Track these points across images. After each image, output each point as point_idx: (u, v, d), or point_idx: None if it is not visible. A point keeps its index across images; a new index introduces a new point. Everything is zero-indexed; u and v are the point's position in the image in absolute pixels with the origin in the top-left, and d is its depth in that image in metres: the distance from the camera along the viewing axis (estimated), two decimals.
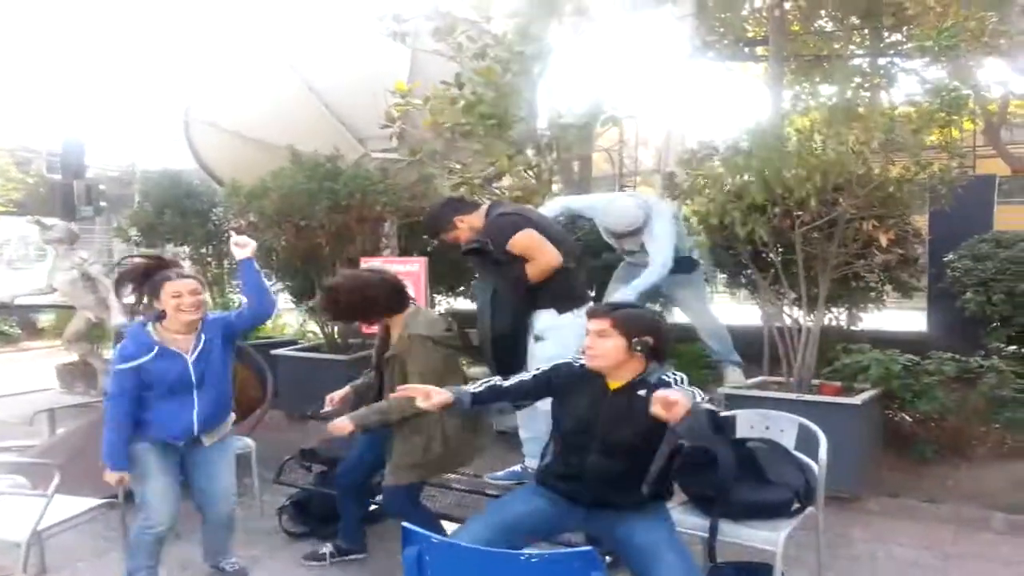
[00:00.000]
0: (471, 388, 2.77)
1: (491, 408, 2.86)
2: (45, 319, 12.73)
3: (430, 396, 2.66)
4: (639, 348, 2.54)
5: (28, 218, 7.65)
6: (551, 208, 4.87)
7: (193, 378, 3.08)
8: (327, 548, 3.64)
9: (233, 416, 3.43)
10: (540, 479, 2.71)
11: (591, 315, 2.67)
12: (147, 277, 3.17)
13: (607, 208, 4.81)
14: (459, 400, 2.69)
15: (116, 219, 9.44)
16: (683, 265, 4.97)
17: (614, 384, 2.59)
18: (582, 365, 2.67)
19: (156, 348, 3.03)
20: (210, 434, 3.21)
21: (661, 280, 4.69)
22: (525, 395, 2.80)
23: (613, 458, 2.52)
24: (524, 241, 3.40)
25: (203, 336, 3.14)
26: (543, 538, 2.79)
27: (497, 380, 2.83)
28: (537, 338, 3.50)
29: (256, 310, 3.26)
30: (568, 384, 2.67)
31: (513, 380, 2.80)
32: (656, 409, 2.28)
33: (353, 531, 3.65)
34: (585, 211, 5.07)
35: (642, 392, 2.49)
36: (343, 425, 3.08)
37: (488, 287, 3.62)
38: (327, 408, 3.43)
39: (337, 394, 3.49)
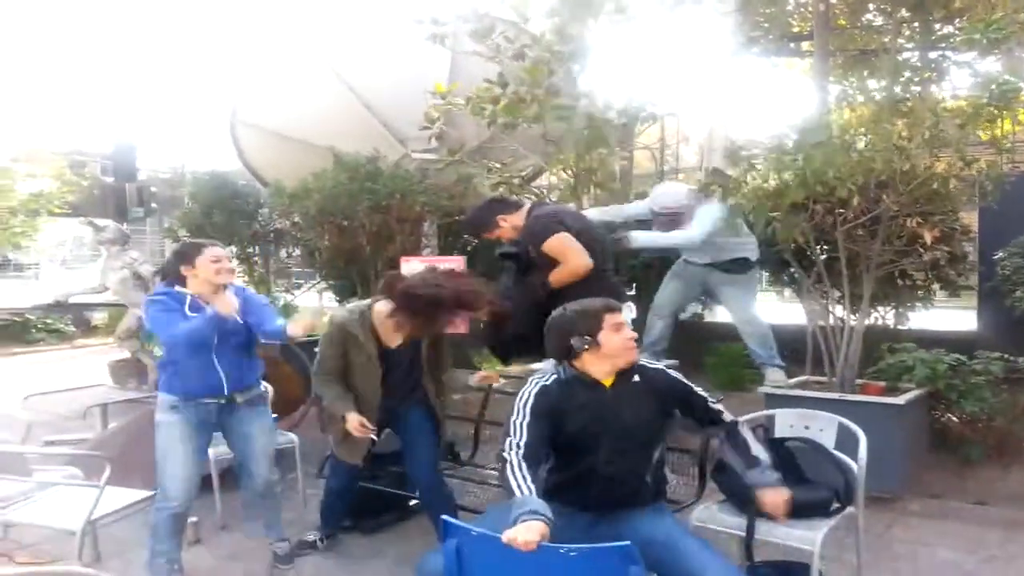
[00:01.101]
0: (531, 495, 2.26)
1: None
2: (98, 317, 13.15)
3: None
4: None
5: (81, 220, 7.91)
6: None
7: (215, 334, 3.17)
8: (313, 535, 3.76)
9: (268, 390, 3.58)
10: (544, 492, 2.48)
11: (616, 308, 2.64)
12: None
13: (656, 191, 4.91)
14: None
15: (167, 220, 9.70)
16: (738, 265, 4.95)
17: (608, 380, 2.58)
18: (554, 382, 2.56)
19: (188, 298, 3.20)
20: (242, 392, 3.32)
21: (685, 245, 4.91)
22: (547, 443, 2.50)
23: (619, 454, 2.50)
24: (557, 245, 3.46)
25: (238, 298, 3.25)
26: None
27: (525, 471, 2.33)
28: None
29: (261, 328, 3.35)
30: (562, 403, 2.53)
31: (525, 454, 2.36)
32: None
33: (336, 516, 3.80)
34: (628, 216, 5.14)
35: (637, 379, 2.58)
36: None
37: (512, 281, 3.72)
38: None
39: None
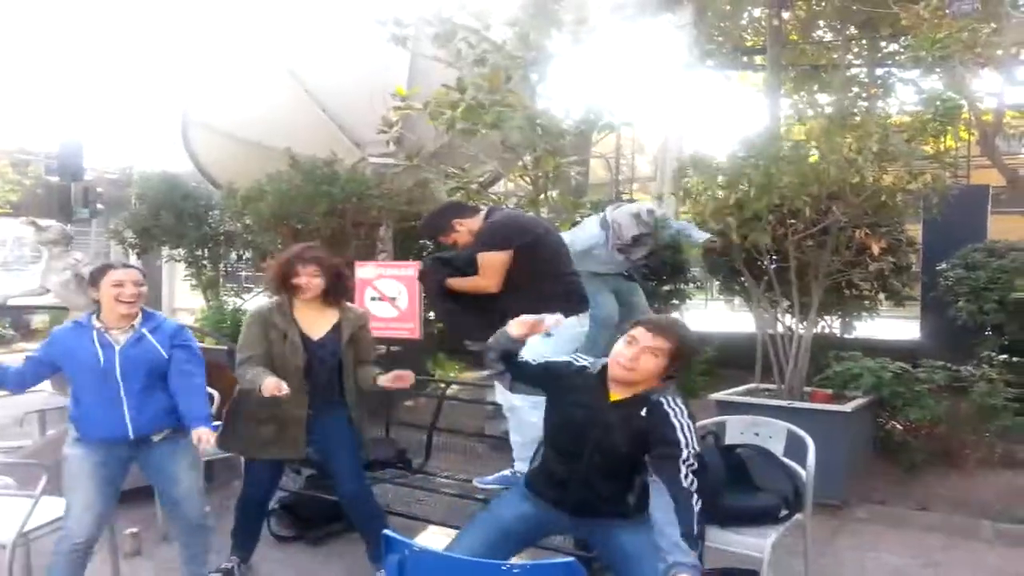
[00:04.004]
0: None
1: (494, 367, 2.67)
2: (38, 320, 12.73)
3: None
4: (672, 376, 2.46)
5: (23, 219, 7.64)
6: None
7: (118, 370, 2.90)
8: (230, 563, 3.48)
9: (215, 396, 3.44)
10: (527, 481, 2.67)
11: (654, 330, 2.43)
12: None
13: (621, 218, 4.77)
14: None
15: (113, 221, 9.44)
16: (636, 273, 4.98)
17: (615, 396, 2.47)
18: (583, 367, 2.56)
19: (93, 331, 2.92)
20: (159, 432, 3.02)
21: None
22: (527, 376, 2.66)
23: (601, 469, 2.46)
24: (490, 261, 3.48)
25: (144, 331, 2.98)
26: (534, 542, 2.76)
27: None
28: (547, 333, 3.52)
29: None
30: (567, 384, 2.55)
31: (528, 359, 2.67)
32: None
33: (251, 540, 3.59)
34: (573, 241, 5.06)
35: (643, 411, 2.41)
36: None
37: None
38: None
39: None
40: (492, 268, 3.49)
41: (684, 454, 2.28)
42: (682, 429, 2.34)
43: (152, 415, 2.99)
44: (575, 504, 2.52)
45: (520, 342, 2.61)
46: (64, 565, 2.87)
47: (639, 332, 2.43)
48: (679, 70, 10.67)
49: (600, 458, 2.45)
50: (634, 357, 2.40)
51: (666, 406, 2.38)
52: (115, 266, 3.02)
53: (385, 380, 3.28)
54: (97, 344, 2.91)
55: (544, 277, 3.49)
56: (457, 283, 3.60)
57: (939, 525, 4.09)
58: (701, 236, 4.72)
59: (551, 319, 2.70)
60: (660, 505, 2.26)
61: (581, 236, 4.79)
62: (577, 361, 2.61)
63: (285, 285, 3.33)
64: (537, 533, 2.68)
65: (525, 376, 2.66)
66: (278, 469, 3.55)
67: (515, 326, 2.57)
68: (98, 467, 2.93)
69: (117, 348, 2.93)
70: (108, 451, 2.96)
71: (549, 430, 2.63)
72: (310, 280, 3.29)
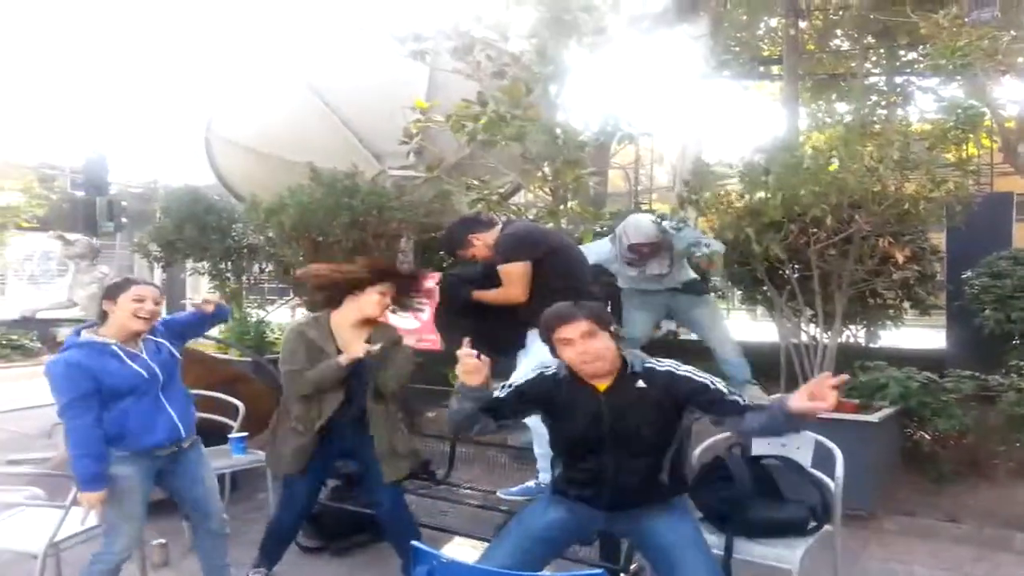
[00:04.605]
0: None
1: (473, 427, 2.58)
2: (64, 333, 12.88)
3: None
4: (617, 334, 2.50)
5: (51, 233, 7.77)
6: None
7: (159, 377, 2.97)
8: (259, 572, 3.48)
9: (240, 408, 3.46)
10: (556, 488, 2.62)
11: (567, 320, 2.44)
12: None
13: (625, 227, 4.76)
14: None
15: (137, 235, 9.57)
16: (693, 287, 4.94)
17: (603, 385, 2.47)
18: (555, 374, 2.53)
19: (108, 348, 2.88)
20: (189, 437, 3.10)
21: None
22: (508, 412, 2.58)
23: (627, 456, 2.44)
24: (512, 271, 3.50)
25: (150, 337, 3.03)
26: (567, 547, 2.74)
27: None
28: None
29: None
30: (553, 397, 2.52)
31: (497, 395, 2.57)
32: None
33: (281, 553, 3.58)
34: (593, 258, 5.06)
35: (643, 384, 2.44)
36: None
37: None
38: None
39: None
40: (516, 278, 3.51)
41: (715, 386, 2.45)
42: (693, 374, 2.47)
43: (189, 414, 3.11)
44: (609, 499, 2.49)
45: (485, 388, 2.46)
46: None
47: (563, 332, 2.45)
48: (696, 81, 10.70)
49: (623, 446, 2.44)
50: (584, 351, 2.42)
51: (659, 367, 2.47)
52: (137, 281, 3.06)
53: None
54: (128, 360, 2.92)
55: (555, 292, 3.49)
56: (485, 295, 3.60)
57: (969, 537, 4.03)
58: (717, 247, 4.69)
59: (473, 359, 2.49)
60: (750, 420, 2.42)
61: (593, 251, 4.79)
62: (547, 371, 2.57)
63: (340, 297, 3.31)
64: (570, 537, 2.64)
65: (506, 413, 2.57)
66: (314, 491, 3.53)
67: (467, 375, 2.43)
68: (143, 481, 2.97)
69: (145, 358, 2.96)
70: (151, 462, 3.00)
71: (560, 443, 2.60)
72: (382, 300, 3.29)
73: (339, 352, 3.27)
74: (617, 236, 4.79)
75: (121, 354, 2.91)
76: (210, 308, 3.29)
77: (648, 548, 2.53)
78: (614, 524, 2.58)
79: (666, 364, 2.52)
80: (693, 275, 4.95)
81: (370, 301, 3.28)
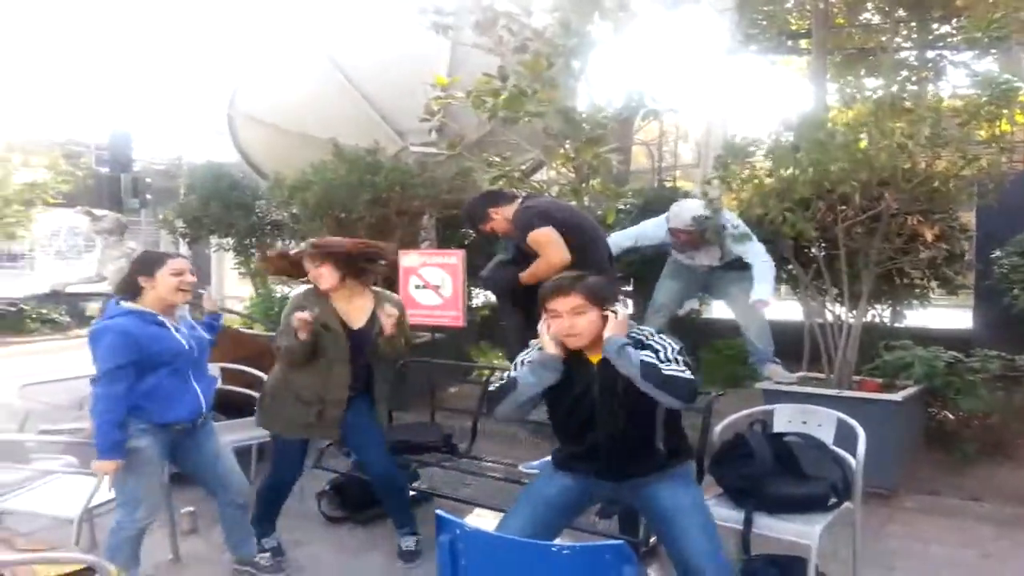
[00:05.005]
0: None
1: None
2: (93, 307, 13.11)
3: None
4: (612, 311, 2.50)
5: (78, 209, 7.87)
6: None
7: (195, 352, 3.05)
8: (274, 541, 3.55)
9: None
10: (558, 464, 2.66)
11: (559, 292, 2.49)
12: None
13: (674, 210, 4.81)
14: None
15: (162, 211, 9.69)
16: (739, 262, 4.93)
17: (595, 357, 2.51)
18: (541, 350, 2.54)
19: (155, 317, 2.94)
20: (207, 414, 3.19)
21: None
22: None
23: (621, 429, 2.48)
24: (537, 237, 3.47)
25: (184, 314, 3.14)
26: (582, 511, 2.77)
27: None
28: None
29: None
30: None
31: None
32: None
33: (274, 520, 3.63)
34: (638, 239, 5.11)
35: (630, 349, 2.45)
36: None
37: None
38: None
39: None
40: (549, 242, 3.49)
41: (663, 356, 2.42)
42: (657, 341, 2.48)
43: (210, 391, 3.17)
44: (607, 471, 2.54)
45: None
46: (131, 546, 2.99)
47: (554, 304, 2.48)
48: (722, 56, 10.53)
49: (614, 418, 2.48)
50: (570, 326, 2.46)
51: (647, 339, 2.48)
52: (172, 255, 3.12)
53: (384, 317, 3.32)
54: (173, 331, 3.00)
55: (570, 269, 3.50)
56: (531, 273, 3.56)
57: (991, 516, 4.01)
58: (744, 228, 4.70)
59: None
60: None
61: (649, 227, 5.04)
62: (537, 349, 2.58)
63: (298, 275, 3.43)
64: (581, 501, 2.67)
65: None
66: (304, 453, 3.59)
67: (551, 344, 2.48)
68: (161, 454, 3.03)
69: (185, 331, 3.05)
70: (171, 435, 3.05)
71: (556, 416, 2.63)
72: (317, 273, 3.32)
73: (343, 324, 3.34)
74: (670, 215, 4.85)
75: (167, 323, 2.99)
76: (210, 306, 3.40)
77: (651, 516, 2.57)
78: (620, 492, 2.62)
79: (644, 331, 2.54)
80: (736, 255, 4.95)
81: (316, 278, 3.34)
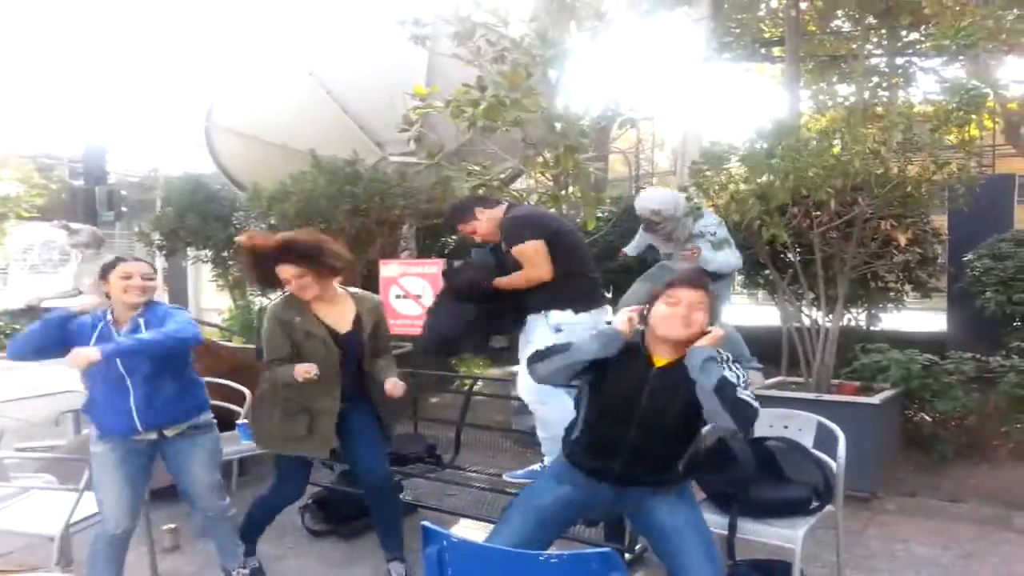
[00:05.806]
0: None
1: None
2: None
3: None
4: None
5: (55, 222, 7.77)
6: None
7: (120, 363, 2.92)
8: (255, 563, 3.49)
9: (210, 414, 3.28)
10: (567, 452, 2.60)
11: (695, 284, 2.49)
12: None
13: (638, 198, 4.91)
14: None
15: (137, 223, 9.58)
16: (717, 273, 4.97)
17: (660, 361, 2.48)
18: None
19: (100, 324, 2.98)
20: (171, 426, 3.07)
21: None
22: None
23: (651, 436, 2.44)
24: (527, 251, 3.48)
25: (140, 320, 3.00)
26: (573, 524, 2.75)
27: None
28: (557, 329, 3.55)
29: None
30: (609, 359, 2.50)
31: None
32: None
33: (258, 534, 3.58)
34: (638, 245, 5.24)
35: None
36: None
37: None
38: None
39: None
40: (535, 257, 3.49)
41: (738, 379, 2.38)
42: (735, 369, 2.42)
43: (160, 407, 3.01)
44: (620, 473, 2.48)
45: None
46: (103, 558, 2.95)
47: (682, 292, 2.46)
48: (697, 63, 10.63)
49: (651, 425, 2.44)
50: (686, 315, 2.44)
51: (725, 362, 2.41)
52: (125, 259, 3.10)
53: (388, 386, 3.29)
54: (95, 338, 2.93)
55: (563, 275, 3.51)
56: (508, 282, 3.56)
57: (970, 516, 4.08)
58: (724, 234, 4.73)
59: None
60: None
61: (640, 240, 5.16)
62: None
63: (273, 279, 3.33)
64: (576, 514, 2.66)
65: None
66: (309, 468, 3.54)
67: (624, 323, 2.49)
68: (121, 462, 2.98)
69: (125, 340, 2.90)
70: (126, 446, 3.00)
71: (593, 403, 2.56)
72: (300, 284, 3.24)
73: (328, 330, 3.29)
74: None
75: (100, 330, 2.96)
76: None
77: (650, 530, 2.54)
78: (620, 502, 2.57)
79: (723, 354, 2.46)
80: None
81: (300, 289, 3.25)
